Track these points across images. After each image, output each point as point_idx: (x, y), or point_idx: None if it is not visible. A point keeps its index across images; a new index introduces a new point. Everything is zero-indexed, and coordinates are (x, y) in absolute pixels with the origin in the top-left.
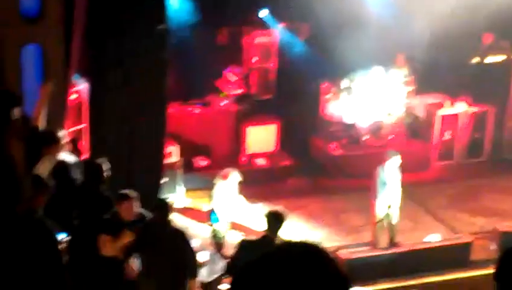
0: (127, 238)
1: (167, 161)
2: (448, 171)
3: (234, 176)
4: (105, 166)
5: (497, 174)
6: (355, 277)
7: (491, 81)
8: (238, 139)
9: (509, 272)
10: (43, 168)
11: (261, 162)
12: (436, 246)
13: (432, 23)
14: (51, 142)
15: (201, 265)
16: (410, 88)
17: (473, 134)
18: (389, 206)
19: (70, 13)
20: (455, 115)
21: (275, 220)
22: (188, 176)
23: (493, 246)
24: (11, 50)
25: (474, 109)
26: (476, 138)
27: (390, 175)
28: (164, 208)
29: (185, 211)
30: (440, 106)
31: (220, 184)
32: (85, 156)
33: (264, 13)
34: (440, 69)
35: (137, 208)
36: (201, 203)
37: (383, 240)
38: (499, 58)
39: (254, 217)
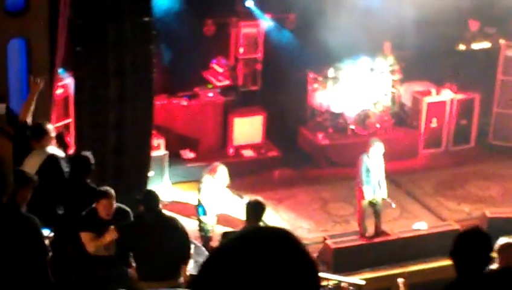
0: (111, 236)
1: (154, 153)
2: (435, 159)
3: (221, 170)
4: (91, 160)
5: (484, 161)
6: (343, 266)
7: (477, 68)
8: (225, 130)
9: (462, 250)
10: (32, 162)
11: (248, 153)
12: (424, 234)
13: (418, 10)
14: (39, 135)
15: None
16: (397, 76)
17: (459, 121)
18: (374, 194)
19: (56, 7)
20: (442, 102)
21: (256, 209)
22: (175, 168)
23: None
24: None
25: (461, 96)
26: (462, 125)
27: (374, 163)
28: (153, 198)
29: (172, 204)
30: (427, 93)
31: (207, 177)
32: (72, 150)
33: (249, 3)
34: (426, 56)
35: (113, 206)
36: (188, 195)
37: (370, 229)
38: (485, 44)
39: (241, 210)
